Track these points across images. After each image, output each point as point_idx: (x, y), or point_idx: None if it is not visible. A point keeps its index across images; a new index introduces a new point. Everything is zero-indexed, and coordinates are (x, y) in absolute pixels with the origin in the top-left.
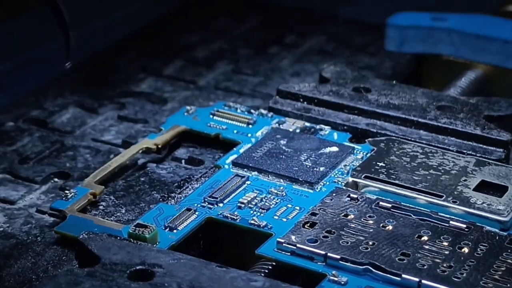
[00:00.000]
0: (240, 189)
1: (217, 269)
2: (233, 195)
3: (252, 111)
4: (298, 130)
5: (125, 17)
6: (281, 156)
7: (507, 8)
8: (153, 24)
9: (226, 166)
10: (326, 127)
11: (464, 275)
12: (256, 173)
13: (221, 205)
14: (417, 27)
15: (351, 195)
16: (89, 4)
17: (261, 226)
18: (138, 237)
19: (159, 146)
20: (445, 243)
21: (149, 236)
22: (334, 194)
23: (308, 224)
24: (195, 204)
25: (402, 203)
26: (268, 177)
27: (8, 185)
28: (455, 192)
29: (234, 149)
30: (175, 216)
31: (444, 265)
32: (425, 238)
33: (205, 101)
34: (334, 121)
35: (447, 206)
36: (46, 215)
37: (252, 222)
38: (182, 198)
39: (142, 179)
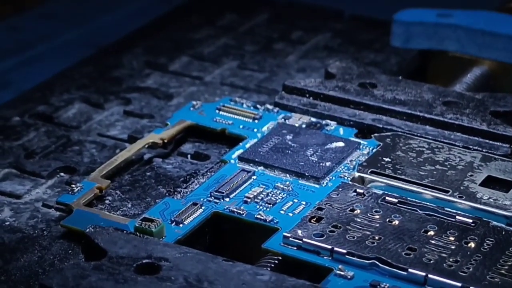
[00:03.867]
0: (246, 184)
1: (224, 263)
2: (239, 189)
3: (258, 106)
4: (304, 125)
5: (131, 13)
6: (287, 151)
7: None
8: (159, 20)
9: (232, 161)
10: (332, 122)
11: (471, 269)
12: (262, 168)
13: (227, 199)
14: (423, 23)
15: (357, 190)
16: (94, 1)
17: (267, 220)
18: (144, 231)
19: (165, 141)
20: (452, 238)
21: (156, 230)
22: (340, 189)
23: (315, 219)
24: (201, 199)
25: (408, 198)
26: (274, 172)
27: (14, 180)
28: (461, 187)
29: (240, 144)
30: (181, 211)
31: (451, 259)
32: (432, 233)
33: (211, 96)
34: (340, 116)
35: (454, 201)
36: (52, 209)
37: (258, 216)
38: (188, 193)
39: (148, 173)
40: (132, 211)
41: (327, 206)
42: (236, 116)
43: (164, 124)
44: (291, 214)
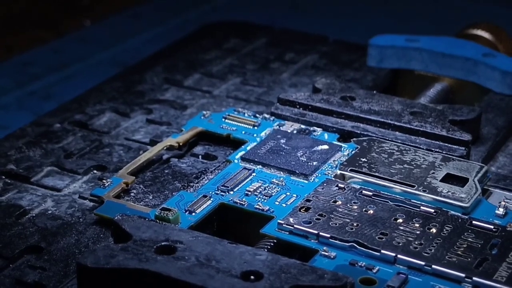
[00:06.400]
0: (247, 179)
1: (228, 245)
2: (242, 184)
3: (257, 115)
4: (295, 131)
5: (153, 38)
6: (281, 152)
7: (468, 31)
8: (176, 43)
9: (236, 161)
10: (318, 129)
11: (432, 251)
12: (260, 166)
13: (231, 192)
14: (394, 47)
15: (339, 185)
16: (123, 27)
17: (265, 210)
18: (163, 219)
19: (180, 144)
20: (417, 225)
21: (172, 218)
22: (325, 184)
23: (304, 209)
24: (210, 192)
25: (381, 192)
26: (271, 170)
27: (55, 176)
28: (425, 183)
29: (242, 146)
30: (193, 202)
31: (416, 242)
32: (400, 220)
33: (219, 107)
34: (325, 124)
35: (418, 194)
36: (87, 200)
37: (257, 206)
38: (199, 187)
39: (166, 171)
40: (153, 202)
41: (314, 198)
42: (239, 124)
43: (179, 130)
44: (284, 205)
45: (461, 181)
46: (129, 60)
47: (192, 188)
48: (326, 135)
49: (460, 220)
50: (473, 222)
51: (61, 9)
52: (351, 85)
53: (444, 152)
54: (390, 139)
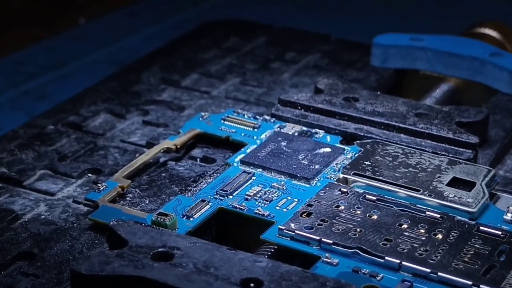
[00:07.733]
0: (247, 183)
1: (227, 251)
2: (241, 188)
3: (257, 117)
4: (296, 134)
5: (149, 36)
6: (282, 155)
7: (474, 30)
8: (173, 42)
9: (235, 164)
10: (320, 131)
11: (438, 257)
12: (260, 170)
13: (230, 197)
14: (398, 46)
15: (342, 189)
16: (119, 25)
17: (265, 215)
18: (160, 224)
19: (178, 147)
20: (422, 231)
21: (169, 223)
22: (327, 188)
23: (305, 214)
24: (209, 196)
25: (385, 196)
26: (271, 173)
27: (49, 179)
28: (431, 187)
29: (242, 149)
30: (191, 206)
31: (421, 249)
32: (405, 226)
33: (217, 108)
34: (327, 125)
35: (424, 199)
36: (81, 205)
37: (257, 211)
38: (198, 191)
39: (163, 174)
40: (149, 207)
41: (316, 203)
42: (238, 125)
43: (177, 132)
44: (285, 210)
45: (468, 185)
46: (125, 59)
47: (190, 192)
48: (328, 138)
49: (467, 226)
50: (480, 227)
51: (57, 7)
52: (354, 85)
53: (450, 155)
54: (394, 141)
